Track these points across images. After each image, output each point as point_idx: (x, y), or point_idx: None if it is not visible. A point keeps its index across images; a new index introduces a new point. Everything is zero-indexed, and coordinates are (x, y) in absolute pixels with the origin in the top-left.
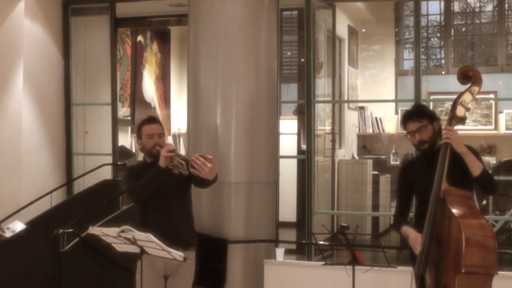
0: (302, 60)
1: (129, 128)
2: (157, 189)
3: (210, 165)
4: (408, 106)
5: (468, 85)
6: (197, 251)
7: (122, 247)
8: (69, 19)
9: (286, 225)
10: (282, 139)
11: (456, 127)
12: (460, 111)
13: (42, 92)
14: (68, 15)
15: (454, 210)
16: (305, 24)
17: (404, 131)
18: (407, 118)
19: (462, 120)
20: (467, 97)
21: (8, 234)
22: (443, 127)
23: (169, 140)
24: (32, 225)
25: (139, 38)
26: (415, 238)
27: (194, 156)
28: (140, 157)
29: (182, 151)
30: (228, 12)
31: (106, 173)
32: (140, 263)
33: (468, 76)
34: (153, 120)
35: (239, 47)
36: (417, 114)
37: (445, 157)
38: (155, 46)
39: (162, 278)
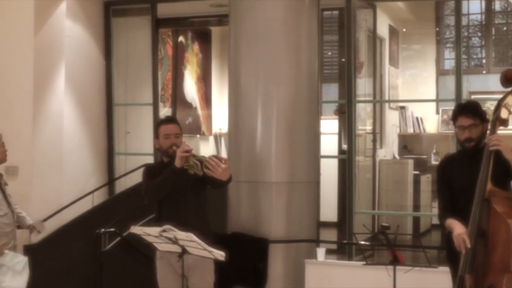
0: (343, 60)
1: None
2: (172, 188)
3: (224, 166)
4: (449, 105)
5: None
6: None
7: (163, 246)
8: (111, 20)
9: (327, 225)
10: (323, 139)
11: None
12: (504, 113)
13: (83, 93)
14: (110, 16)
15: (501, 210)
16: (345, 24)
17: (445, 131)
18: (461, 111)
19: (505, 122)
20: (511, 100)
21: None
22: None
23: (210, 140)
24: (74, 224)
25: (180, 38)
26: (459, 235)
27: (208, 157)
28: None
29: (223, 151)
30: (269, 12)
31: None
32: (157, 263)
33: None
34: (170, 120)
35: (280, 47)
36: (473, 111)
37: (490, 159)
38: (196, 47)
39: (180, 277)
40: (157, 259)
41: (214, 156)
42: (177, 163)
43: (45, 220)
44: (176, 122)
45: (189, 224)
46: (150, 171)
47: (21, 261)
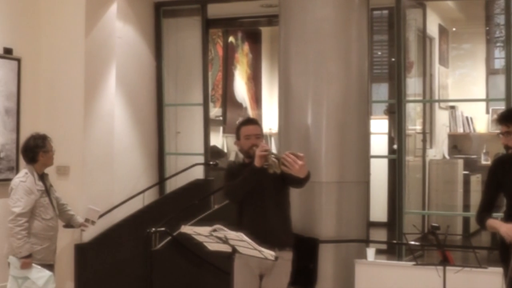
0: (393, 59)
1: (221, 128)
2: (252, 188)
3: (301, 162)
4: (499, 105)
5: None
6: (294, 252)
7: (213, 246)
8: (161, 21)
9: (377, 225)
10: (373, 139)
11: None
12: None
13: (134, 93)
14: (160, 17)
15: None
16: (395, 23)
17: (495, 130)
18: (498, 119)
19: None
20: None
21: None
22: None
23: None
24: (125, 224)
25: (230, 39)
26: (509, 229)
27: (285, 153)
28: (232, 156)
29: (273, 151)
30: (319, 12)
31: (198, 173)
32: (235, 263)
33: None
34: (251, 121)
35: (329, 46)
36: (506, 119)
37: None
38: (246, 47)
39: (257, 278)
40: (236, 258)
41: (291, 152)
42: (257, 162)
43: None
44: (257, 123)
45: (270, 224)
46: (231, 172)
47: (44, 276)
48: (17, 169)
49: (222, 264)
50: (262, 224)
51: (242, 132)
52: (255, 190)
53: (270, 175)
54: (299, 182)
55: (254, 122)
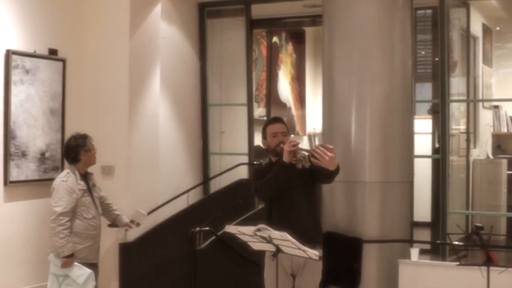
0: (437, 59)
1: None
2: (281, 185)
3: (331, 154)
4: None
5: None
6: (324, 249)
7: (257, 245)
8: (205, 21)
9: (421, 225)
10: (417, 139)
11: None
12: None
13: (178, 93)
14: (204, 17)
15: None
16: (439, 22)
17: None
18: None
19: None
20: None
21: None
22: None
23: (304, 140)
24: (169, 223)
25: (274, 39)
26: None
27: (315, 145)
28: None
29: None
30: (363, 11)
31: (242, 173)
32: (265, 261)
33: None
34: (276, 119)
35: (373, 46)
36: None
37: None
38: (290, 47)
39: (290, 276)
40: (266, 256)
41: (320, 144)
42: (285, 158)
43: None
44: (283, 121)
45: (300, 221)
46: (259, 172)
47: (84, 273)
48: (61, 169)
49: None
50: (291, 222)
51: (269, 130)
52: (283, 187)
53: (298, 172)
54: (329, 176)
55: (280, 120)
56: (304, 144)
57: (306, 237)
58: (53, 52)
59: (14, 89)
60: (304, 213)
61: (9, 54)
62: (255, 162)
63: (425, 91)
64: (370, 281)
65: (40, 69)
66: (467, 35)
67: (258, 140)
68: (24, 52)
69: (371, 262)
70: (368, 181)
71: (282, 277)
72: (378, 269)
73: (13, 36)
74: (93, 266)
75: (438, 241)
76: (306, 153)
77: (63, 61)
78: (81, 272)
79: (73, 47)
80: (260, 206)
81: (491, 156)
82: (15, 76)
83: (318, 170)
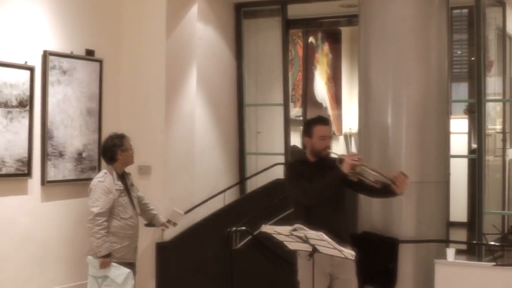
0: (473, 58)
1: (301, 128)
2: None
3: (408, 182)
4: None
5: None
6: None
7: (294, 245)
8: (241, 22)
9: (457, 225)
10: (453, 138)
11: None
12: None
13: (214, 93)
14: (241, 18)
15: None
16: (475, 22)
17: None
18: None
19: None
20: None
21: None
22: None
23: (340, 140)
24: (206, 223)
25: (311, 39)
26: None
27: (397, 172)
28: None
29: (353, 151)
30: (399, 11)
31: (278, 172)
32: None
33: None
34: (326, 121)
35: (409, 46)
36: None
37: None
38: (326, 47)
39: (327, 276)
40: (300, 257)
41: (401, 172)
42: (345, 169)
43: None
44: (330, 123)
45: (338, 222)
46: (297, 170)
47: (122, 273)
48: (98, 169)
49: None
50: (332, 223)
51: (317, 131)
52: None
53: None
54: (383, 195)
55: (329, 122)
56: (340, 143)
57: (343, 237)
58: (90, 53)
59: (51, 90)
60: (342, 215)
61: (46, 55)
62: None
63: (461, 90)
64: (406, 281)
65: (77, 69)
66: (503, 35)
67: (294, 140)
68: (61, 53)
69: (407, 262)
70: None
71: (319, 277)
72: (414, 269)
73: (50, 37)
74: (131, 265)
75: (474, 241)
76: (366, 168)
77: (100, 61)
78: (119, 272)
79: (110, 47)
80: None
81: None
82: (52, 76)
83: (364, 184)
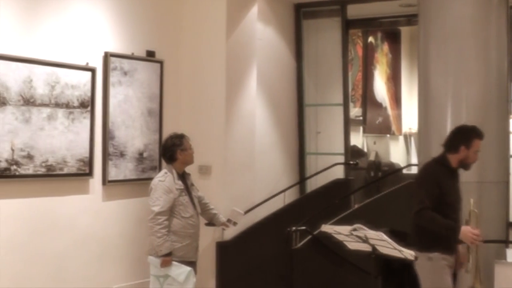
0: None
1: (361, 128)
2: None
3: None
4: None
5: None
6: None
7: (353, 245)
8: (301, 22)
9: None
10: None
11: None
12: None
13: (274, 94)
14: (300, 18)
15: None
16: None
17: None
18: None
19: None
20: None
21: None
22: None
23: (400, 140)
24: (266, 222)
25: (370, 39)
26: None
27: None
28: (372, 156)
29: (413, 151)
30: (458, 10)
31: (338, 172)
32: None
33: None
34: (483, 135)
35: (469, 45)
36: None
37: None
38: (385, 47)
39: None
40: (435, 260)
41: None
42: (463, 239)
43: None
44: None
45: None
46: (435, 174)
47: (184, 271)
48: (159, 168)
49: (362, 264)
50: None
51: (475, 144)
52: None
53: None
54: None
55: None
56: (400, 143)
57: None
58: (150, 54)
59: (112, 91)
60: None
61: (107, 56)
62: (351, 162)
63: None
64: (466, 281)
65: (138, 70)
66: None
67: (354, 140)
68: (122, 54)
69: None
70: (464, 181)
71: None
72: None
73: (111, 38)
74: (192, 264)
75: None
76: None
77: (161, 62)
78: (180, 271)
79: (170, 48)
80: (357, 206)
81: None
82: (114, 77)
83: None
